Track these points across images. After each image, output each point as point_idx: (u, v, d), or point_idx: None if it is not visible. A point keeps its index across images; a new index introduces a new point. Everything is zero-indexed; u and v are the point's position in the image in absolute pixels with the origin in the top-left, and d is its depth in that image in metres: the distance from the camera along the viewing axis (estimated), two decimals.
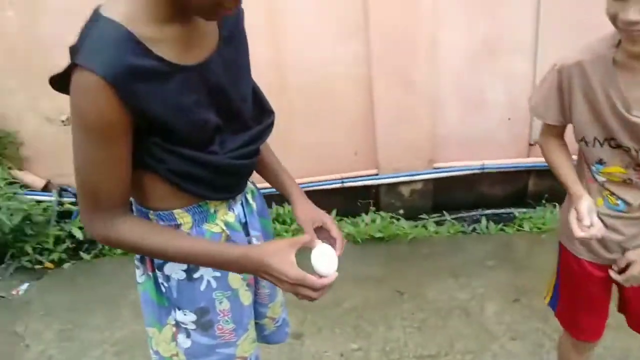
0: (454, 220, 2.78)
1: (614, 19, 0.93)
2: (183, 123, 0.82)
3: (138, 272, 1.05)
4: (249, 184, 1.11)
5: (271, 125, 1.04)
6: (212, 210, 0.97)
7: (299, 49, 2.57)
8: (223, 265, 0.93)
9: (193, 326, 1.04)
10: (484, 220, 2.70)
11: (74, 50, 0.75)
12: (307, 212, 1.11)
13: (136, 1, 0.76)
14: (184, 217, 0.95)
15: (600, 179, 1.14)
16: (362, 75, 2.65)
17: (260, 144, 1.02)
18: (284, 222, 2.73)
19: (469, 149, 2.82)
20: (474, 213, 2.89)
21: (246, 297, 1.09)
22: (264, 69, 2.59)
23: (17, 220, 2.47)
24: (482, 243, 2.55)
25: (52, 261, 2.61)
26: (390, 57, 2.56)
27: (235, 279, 1.05)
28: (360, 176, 2.90)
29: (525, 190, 2.94)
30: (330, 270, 0.91)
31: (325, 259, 0.93)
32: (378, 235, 2.55)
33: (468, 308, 2.08)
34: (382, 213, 2.76)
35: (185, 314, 1.02)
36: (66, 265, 2.61)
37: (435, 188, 2.95)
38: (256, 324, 1.21)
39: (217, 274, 1.01)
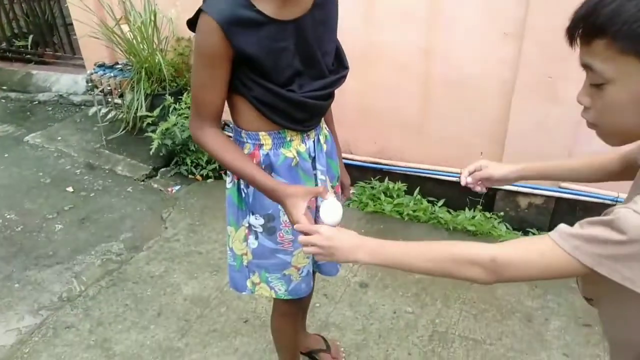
0: None
1: None
2: (271, 62, 1.09)
3: (227, 179, 1.33)
4: (325, 130, 1.35)
5: (344, 77, 1.25)
6: (288, 139, 1.22)
7: (451, 42, 2.61)
8: (260, 189, 1.15)
9: (261, 229, 1.29)
10: None
11: (204, 0, 1.06)
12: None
13: None
14: (266, 139, 1.21)
15: None
16: (506, 77, 2.62)
17: (332, 90, 1.23)
18: (390, 197, 2.90)
19: None
20: None
21: None
22: (415, 56, 2.75)
23: (185, 136, 3.11)
24: None
25: (201, 175, 3.23)
26: (538, 65, 2.49)
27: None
28: None
29: None
30: (332, 219, 1.02)
31: (330, 211, 1.03)
32: (470, 228, 2.57)
33: (532, 315, 2.03)
34: (486, 213, 2.74)
35: (256, 218, 1.28)
36: (209, 181, 3.20)
37: (557, 208, 2.81)
38: None
39: None
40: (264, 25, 1.06)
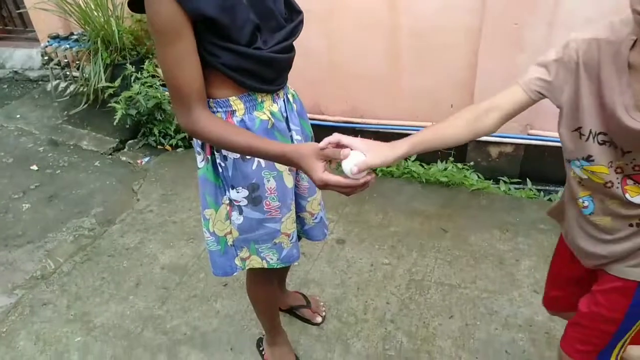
0: (536, 190, 2.69)
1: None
2: (228, 20, 1.02)
3: (199, 158, 1.25)
4: (290, 89, 1.31)
5: (301, 22, 1.20)
6: (259, 100, 1.18)
7: None
8: (273, 159, 1.10)
9: (245, 202, 1.24)
10: (562, 191, 2.56)
11: None
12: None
13: None
14: (238, 104, 1.15)
15: (583, 176, 1.04)
16: (472, 27, 2.61)
17: (293, 39, 1.18)
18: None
19: None
20: (561, 189, 2.76)
21: (289, 180, 1.28)
22: (379, 9, 2.72)
23: (150, 105, 3.02)
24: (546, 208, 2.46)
25: (170, 145, 3.16)
26: (504, 12, 2.47)
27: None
28: None
29: None
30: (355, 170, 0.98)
31: (351, 163, 1.00)
32: (443, 179, 2.60)
33: (503, 257, 2.09)
34: (458, 164, 2.78)
35: (238, 192, 1.23)
36: (179, 150, 3.13)
37: (526, 155, 2.86)
38: (297, 216, 1.40)
39: None
40: None
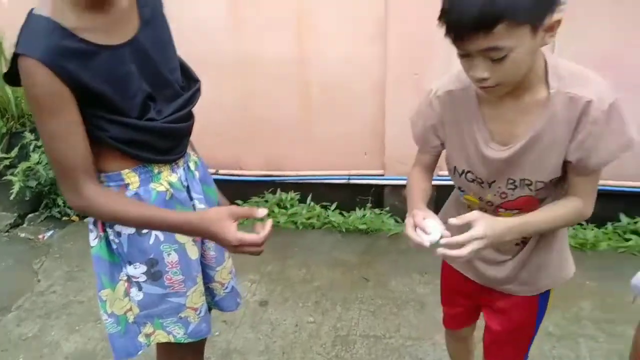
0: None
1: (466, 73, 0.93)
2: (116, 93, 0.97)
3: (91, 235, 1.16)
4: (193, 156, 1.25)
5: (198, 90, 1.17)
6: (156, 171, 1.11)
7: (322, 48, 2.67)
8: (175, 230, 1.04)
9: (144, 278, 1.15)
10: None
11: (15, 45, 0.92)
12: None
13: None
14: (131, 177, 1.08)
15: (465, 202, 1.16)
16: (377, 77, 2.73)
17: (191, 107, 1.14)
18: (284, 207, 2.87)
19: None
20: None
21: (193, 252, 1.20)
22: (289, 63, 2.76)
23: (52, 174, 2.82)
24: None
25: (77, 215, 2.95)
26: (405, 63, 2.60)
27: (181, 234, 1.15)
28: (367, 175, 2.98)
29: None
30: (434, 236, 0.97)
31: (434, 228, 0.98)
32: (362, 227, 2.62)
33: (425, 301, 2.10)
34: (376, 210, 2.82)
35: (136, 267, 1.13)
36: (87, 220, 2.91)
37: (438, 195, 2.97)
38: (206, 287, 1.31)
39: None
40: (95, 54, 0.94)
